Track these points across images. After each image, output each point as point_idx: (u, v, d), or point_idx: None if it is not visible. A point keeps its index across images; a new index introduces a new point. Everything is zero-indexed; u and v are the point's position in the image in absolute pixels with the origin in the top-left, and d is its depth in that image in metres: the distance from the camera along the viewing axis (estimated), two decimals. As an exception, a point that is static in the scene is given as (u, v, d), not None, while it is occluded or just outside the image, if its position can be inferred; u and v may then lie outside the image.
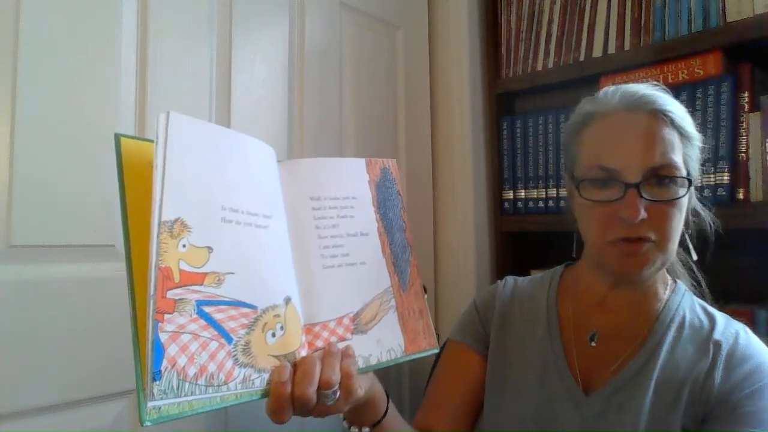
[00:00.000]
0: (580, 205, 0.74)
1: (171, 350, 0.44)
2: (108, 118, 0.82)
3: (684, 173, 0.69)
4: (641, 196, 0.66)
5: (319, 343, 0.56)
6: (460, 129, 1.41)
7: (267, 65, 1.05)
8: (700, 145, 0.74)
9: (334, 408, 0.54)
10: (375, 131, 1.30)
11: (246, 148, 0.56)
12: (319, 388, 0.51)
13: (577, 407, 0.72)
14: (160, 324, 0.44)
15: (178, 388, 0.44)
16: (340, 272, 0.61)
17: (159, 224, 0.45)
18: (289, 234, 0.58)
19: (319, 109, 1.16)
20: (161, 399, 0.43)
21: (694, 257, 0.78)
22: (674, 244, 0.71)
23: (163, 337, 0.44)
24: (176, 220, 0.47)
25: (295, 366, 0.52)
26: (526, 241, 1.43)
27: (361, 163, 0.67)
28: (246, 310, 0.50)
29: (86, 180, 0.79)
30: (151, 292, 0.44)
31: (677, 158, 0.69)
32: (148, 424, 0.42)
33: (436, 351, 0.66)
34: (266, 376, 0.50)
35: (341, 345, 0.57)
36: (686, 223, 0.74)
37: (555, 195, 1.30)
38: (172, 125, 0.48)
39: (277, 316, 0.53)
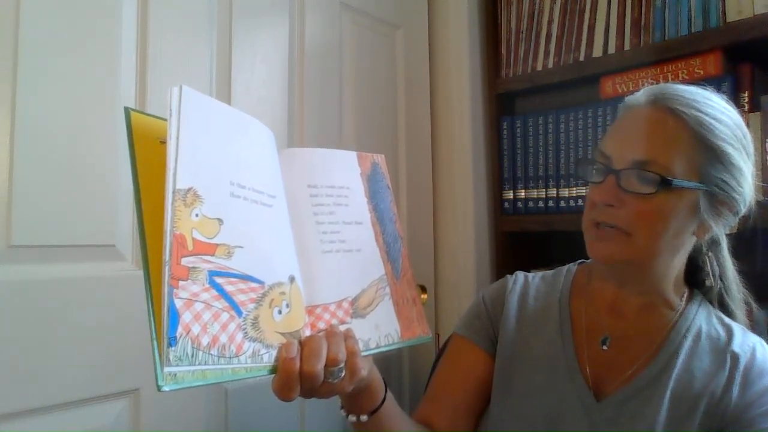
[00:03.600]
0: None
1: (185, 317, 0.44)
2: (108, 118, 0.82)
3: (669, 175, 0.65)
4: (618, 184, 0.67)
5: (321, 325, 0.57)
6: (460, 129, 1.41)
7: (267, 65, 1.05)
8: (739, 165, 0.68)
9: (339, 387, 0.54)
10: (375, 131, 1.30)
11: (252, 128, 0.57)
12: (326, 366, 0.52)
13: (587, 412, 0.71)
14: (175, 290, 0.44)
15: (192, 356, 0.44)
16: (338, 257, 0.62)
17: (173, 192, 0.46)
18: (289, 217, 0.59)
19: (319, 109, 1.16)
20: (177, 365, 0.43)
21: (710, 283, 0.76)
22: (652, 243, 0.68)
23: (178, 303, 0.44)
24: (189, 190, 0.47)
25: (301, 343, 0.53)
26: (526, 241, 1.43)
27: (352, 155, 0.69)
28: (254, 284, 0.51)
29: (86, 180, 0.79)
30: (166, 258, 0.44)
31: (673, 158, 0.66)
32: (166, 389, 0.42)
33: (430, 339, 0.67)
34: (274, 352, 0.51)
35: (342, 327, 0.58)
36: (707, 247, 0.75)
37: (555, 195, 1.30)
38: (185, 99, 0.49)
39: (283, 293, 0.53)
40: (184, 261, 0.45)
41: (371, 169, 0.70)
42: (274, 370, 0.51)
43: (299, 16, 1.13)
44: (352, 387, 0.56)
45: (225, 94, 0.98)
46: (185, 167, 0.47)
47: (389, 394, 0.67)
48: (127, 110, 0.50)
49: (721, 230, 0.73)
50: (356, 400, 0.64)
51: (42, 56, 0.75)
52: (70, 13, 0.78)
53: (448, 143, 1.44)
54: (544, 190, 1.32)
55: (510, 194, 1.38)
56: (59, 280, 0.76)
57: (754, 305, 0.79)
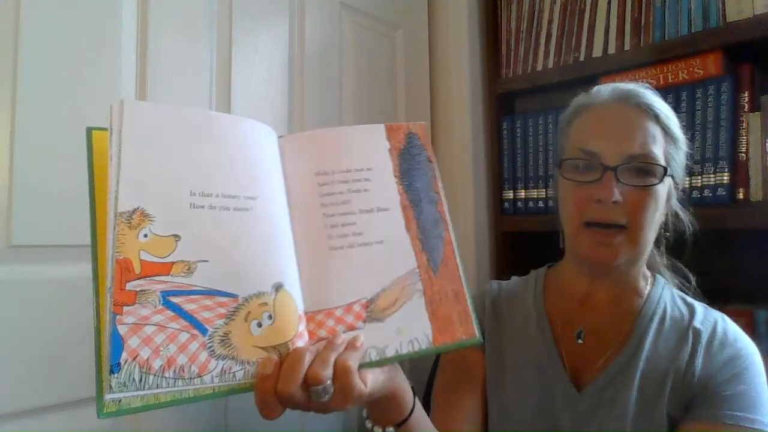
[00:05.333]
0: (561, 189, 0.77)
1: (132, 342, 0.43)
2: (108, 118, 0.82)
3: (662, 164, 0.71)
4: (618, 180, 0.69)
5: (323, 333, 0.52)
6: (460, 129, 1.40)
7: (267, 65, 1.05)
8: (686, 149, 0.76)
9: (332, 406, 0.49)
10: (375, 131, 1.29)
11: (219, 127, 0.53)
12: (307, 384, 0.47)
13: (571, 404, 0.73)
14: (118, 316, 0.43)
15: (140, 380, 0.43)
16: (351, 253, 0.55)
17: (115, 216, 0.45)
18: (290, 214, 0.55)
19: (319, 109, 1.15)
20: (120, 392, 0.42)
21: (663, 261, 0.81)
22: (647, 236, 0.72)
23: (122, 329, 0.43)
24: (135, 210, 0.46)
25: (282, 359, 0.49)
26: (526, 241, 1.42)
27: (379, 130, 0.61)
28: (223, 299, 0.48)
29: (86, 180, 0.79)
30: (108, 285, 0.44)
31: (657, 151, 0.71)
32: (103, 417, 0.42)
33: (477, 341, 0.57)
34: (251, 368, 0.48)
35: (349, 335, 0.52)
36: (665, 225, 0.77)
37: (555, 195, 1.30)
38: (128, 113, 0.47)
39: (264, 304, 0.50)
40: (130, 286, 0.44)
41: (405, 142, 0.61)
42: (251, 387, 0.48)
43: (299, 16, 1.13)
44: (349, 406, 0.50)
45: (225, 94, 0.98)
46: (129, 187, 0.46)
47: (418, 405, 0.62)
48: (89, 130, 0.49)
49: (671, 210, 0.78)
50: (380, 410, 0.59)
51: (42, 56, 0.75)
52: (70, 13, 0.78)
53: (448, 143, 1.43)
54: (544, 190, 1.32)
55: (510, 194, 1.38)
56: (59, 280, 0.76)
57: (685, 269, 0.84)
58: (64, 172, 0.77)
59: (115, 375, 0.42)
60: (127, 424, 0.82)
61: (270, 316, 0.50)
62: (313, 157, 0.57)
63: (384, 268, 0.56)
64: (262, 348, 0.48)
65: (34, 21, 0.75)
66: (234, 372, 0.47)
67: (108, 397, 0.42)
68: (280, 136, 0.58)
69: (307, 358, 0.48)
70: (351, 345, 0.51)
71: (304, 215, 0.55)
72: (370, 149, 0.59)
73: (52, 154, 0.76)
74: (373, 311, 0.54)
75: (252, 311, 0.49)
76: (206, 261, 0.48)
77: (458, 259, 0.58)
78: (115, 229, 0.45)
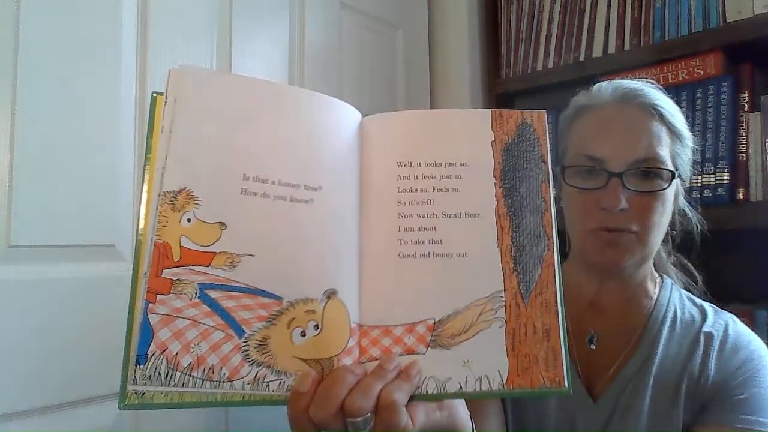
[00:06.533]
0: (565, 195, 0.75)
1: (162, 335, 0.41)
2: (108, 117, 0.82)
3: (670, 167, 0.69)
4: (624, 186, 0.67)
5: (375, 352, 0.45)
6: (460, 129, 1.41)
7: (267, 65, 1.05)
8: (692, 145, 0.74)
9: None
10: (375, 131, 1.29)
11: (296, 104, 0.47)
12: (344, 414, 0.42)
13: (587, 415, 0.71)
14: (150, 305, 0.41)
15: (166, 376, 0.40)
16: (425, 264, 0.47)
17: (159, 195, 0.42)
18: (360, 209, 0.48)
19: (319, 109, 1.15)
20: (144, 384, 0.40)
21: (671, 260, 0.79)
22: (656, 238, 0.71)
23: (154, 319, 0.41)
24: (181, 191, 0.43)
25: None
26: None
27: (484, 116, 0.51)
28: (266, 300, 0.43)
29: (86, 180, 0.79)
30: (144, 270, 0.41)
31: (663, 152, 0.69)
32: (124, 408, 0.40)
33: (565, 393, 0.47)
34: (287, 380, 0.43)
35: (406, 359, 0.45)
36: (672, 223, 0.75)
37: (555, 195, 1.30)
38: (186, 81, 0.43)
39: (311, 312, 0.44)
40: (166, 273, 0.41)
41: (515, 134, 0.51)
42: (285, 401, 0.43)
43: (299, 16, 1.13)
44: None
45: (225, 94, 0.98)
46: (178, 164, 0.42)
47: None
48: (153, 95, 0.45)
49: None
50: None
51: (42, 57, 0.75)
52: (70, 13, 0.78)
53: (448, 143, 1.43)
54: (544, 190, 1.32)
55: (510, 194, 1.37)
56: (59, 280, 0.76)
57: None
58: (64, 172, 0.77)
59: (141, 366, 0.40)
60: (127, 423, 0.82)
61: (317, 326, 0.44)
62: (397, 143, 0.49)
63: (462, 287, 0.47)
64: (303, 360, 0.43)
65: (34, 21, 0.75)
66: (268, 382, 0.43)
67: (131, 388, 0.40)
68: (364, 116, 0.52)
69: (348, 383, 0.42)
70: (404, 373, 0.44)
71: (374, 213, 0.48)
72: (469, 140, 0.50)
73: (52, 154, 0.76)
74: (440, 336, 0.46)
75: (296, 318, 0.44)
76: (252, 256, 0.43)
77: (559, 288, 0.48)
78: (157, 209, 0.42)
